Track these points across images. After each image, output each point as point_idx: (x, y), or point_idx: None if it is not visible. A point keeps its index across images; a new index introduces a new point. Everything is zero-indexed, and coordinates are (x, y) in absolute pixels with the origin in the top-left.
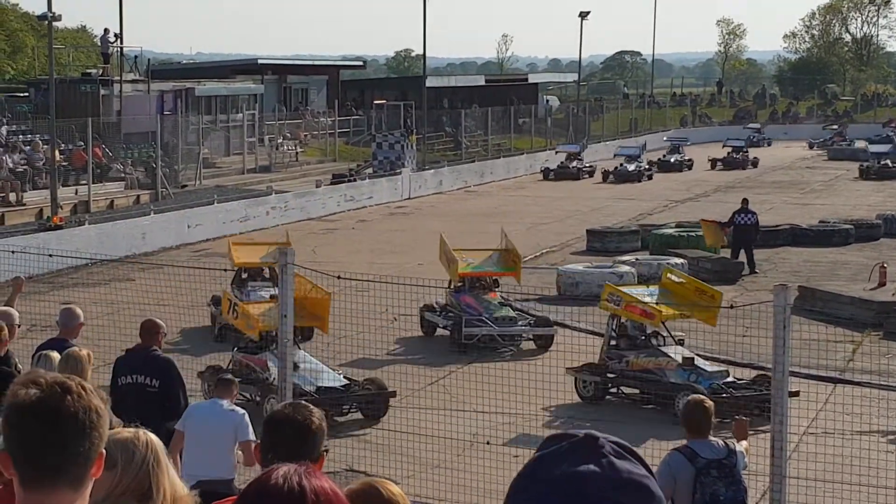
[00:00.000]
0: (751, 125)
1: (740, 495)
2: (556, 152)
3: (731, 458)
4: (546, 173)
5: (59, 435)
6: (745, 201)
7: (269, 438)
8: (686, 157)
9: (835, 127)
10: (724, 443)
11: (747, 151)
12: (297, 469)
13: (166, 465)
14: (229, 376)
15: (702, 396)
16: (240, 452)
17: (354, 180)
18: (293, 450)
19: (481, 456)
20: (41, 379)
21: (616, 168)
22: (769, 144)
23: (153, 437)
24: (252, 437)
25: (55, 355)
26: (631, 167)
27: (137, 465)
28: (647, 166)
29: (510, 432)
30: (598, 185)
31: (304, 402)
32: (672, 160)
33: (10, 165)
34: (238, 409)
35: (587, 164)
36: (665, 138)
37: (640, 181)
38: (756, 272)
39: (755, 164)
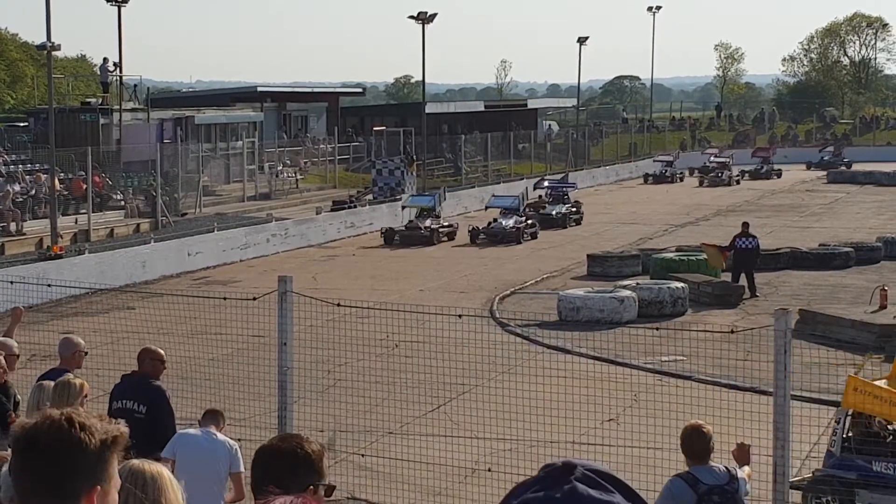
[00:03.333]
0: (759, 153)
1: None
2: (654, 161)
3: (732, 485)
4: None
5: (33, 466)
6: (745, 225)
7: (260, 470)
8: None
9: (830, 148)
10: (726, 468)
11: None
12: (292, 501)
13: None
14: (217, 408)
15: (699, 422)
16: (230, 486)
17: (355, 206)
18: (284, 481)
19: (483, 483)
20: (42, 413)
21: (490, 224)
22: (779, 176)
23: (160, 470)
24: (242, 468)
25: (50, 385)
26: (508, 222)
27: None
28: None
29: (512, 459)
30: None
31: (299, 433)
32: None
33: (13, 196)
34: (229, 439)
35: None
36: (546, 182)
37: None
38: (757, 296)
39: (738, 181)
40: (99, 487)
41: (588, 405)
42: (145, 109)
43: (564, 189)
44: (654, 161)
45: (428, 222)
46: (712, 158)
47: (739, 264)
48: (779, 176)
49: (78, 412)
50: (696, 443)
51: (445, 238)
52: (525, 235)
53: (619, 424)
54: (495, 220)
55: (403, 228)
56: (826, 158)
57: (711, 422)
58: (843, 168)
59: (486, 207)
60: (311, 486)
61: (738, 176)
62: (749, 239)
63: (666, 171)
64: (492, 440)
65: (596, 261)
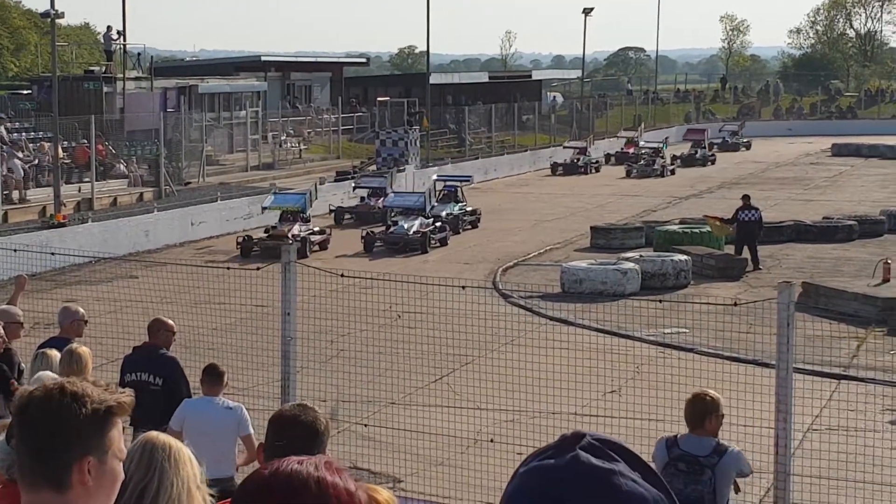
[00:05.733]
0: (728, 126)
1: (703, 496)
2: (564, 147)
3: (711, 459)
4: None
5: (23, 434)
6: (746, 197)
7: (277, 439)
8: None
9: (736, 124)
10: (717, 443)
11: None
12: (316, 460)
13: (189, 475)
14: (219, 368)
15: (705, 390)
16: (241, 448)
17: (398, 171)
18: (302, 451)
19: (485, 454)
20: (42, 384)
21: (389, 229)
22: (748, 148)
23: (177, 444)
24: (252, 430)
25: (55, 353)
26: (412, 226)
27: (143, 468)
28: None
29: (515, 430)
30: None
31: (307, 403)
32: None
33: (19, 166)
34: (234, 403)
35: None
36: (434, 176)
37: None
38: (760, 269)
39: (713, 161)
40: (92, 458)
41: (590, 377)
42: (149, 78)
43: (455, 185)
44: (564, 147)
45: (296, 228)
46: (643, 143)
47: (742, 237)
48: (713, 162)
49: (74, 382)
50: (689, 408)
51: (317, 248)
52: (432, 242)
53: (620, 396)
54: (395, 222)
55: (264, 235)
56: (727, 139)
57: None
58: (744, 150)
59: (384, 206)
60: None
61: (672, 165)
62: (752, 211)
63: (578, 159)
64: (494, 411)
65: (599, 233)
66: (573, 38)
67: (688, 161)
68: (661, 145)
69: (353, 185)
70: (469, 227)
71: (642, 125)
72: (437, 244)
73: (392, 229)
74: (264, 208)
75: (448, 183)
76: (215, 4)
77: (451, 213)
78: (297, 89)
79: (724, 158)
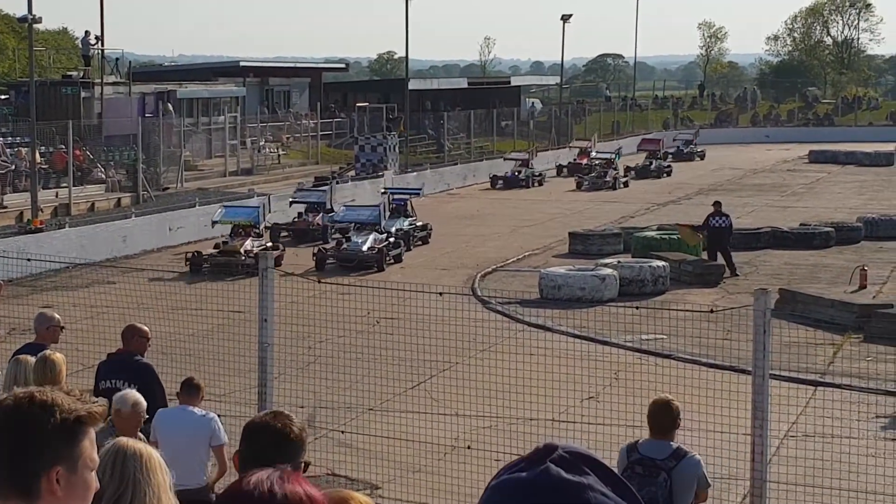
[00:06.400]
0: (682, 134)
1: (657, 498)
2: (505, 159)
3: (668, 462)
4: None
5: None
6: (717, 204)
7: (248, 446)
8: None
9: (690, 132)
10: (678, 448)
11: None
12: (271, 474)
13: (160, 483)
14: (196, 381)
15: (668, 397)
16: (213, 460)
17: (337, 183)
18: (272, 458)
19: (462, 460)
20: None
21: (341, 245)
22: (702, 158)
23: (149, 450)
24: (225, 439)
25: (30, 359)
26: (366, 242)
27: (118, 479)
28: None
29: (492, 437)
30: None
31: (284, 410)
32: None
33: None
34: (209, 413)
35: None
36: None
37: None
38: (738, 275)
39: (669, 173)
40: (61, 468)
41: (568, 383)
42: (127, 83)
43: (404, 199)
44: (505, 159)
45: (248, 243)
46: (595, 154)
47: (713, 243)
48: (669, 174)
49: (44, 391)
50: (658, 415)
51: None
52: (388, 259)
53: (599, 402)
54: (348, 238)
55: (214, 252)
56: (681, 148)
57: (691, 400)
58: (699, 159)
59: (332, 221)
60: (304, 463)
61: (626, 177)
62: (722, 218)
63: (520, 172)
64: (472, 417)
65: (577, 239)
66: (552, 44)
67: (642, 173)
68: (613, 156)
69: (289, 199)
70: (420, 242)
71: (595, 135)
72: (392, 261)
73: (345, 246)
74: (214, 222)
75: (396, 196)
76: (194, 9)
77: (401, 229)
78: (276, 95)
79: (681, 169)
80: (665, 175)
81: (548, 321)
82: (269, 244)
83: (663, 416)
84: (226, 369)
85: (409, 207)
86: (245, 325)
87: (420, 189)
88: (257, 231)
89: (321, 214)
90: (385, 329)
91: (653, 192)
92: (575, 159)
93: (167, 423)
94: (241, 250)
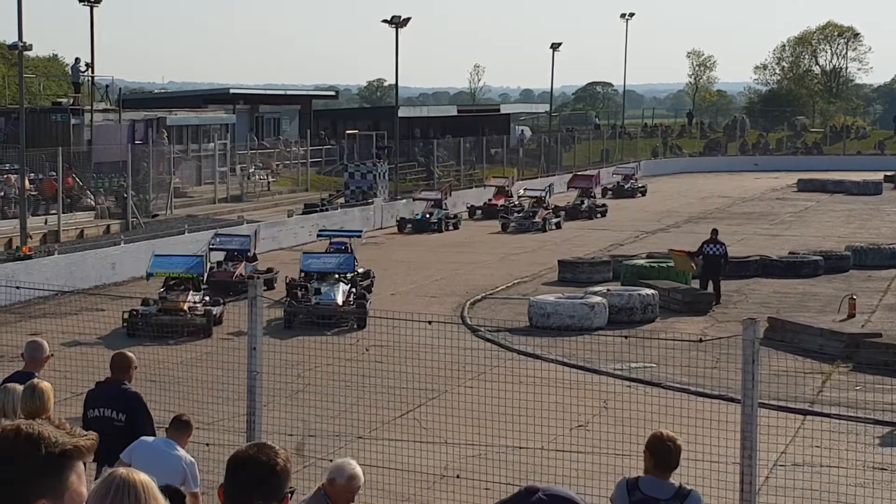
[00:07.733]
0: (620, 168)
1: None
2: (415, 199)
3: (672, 503)
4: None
5: None
6: (714, 231)
7: (232, 480)
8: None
9: (631, 165)
10: (681, 488)
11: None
12: None
13: None
14: (186, 418)
15: (670, 433)
16: None
17: (326, 210)
18: (256, 491)
19: (452, 489)
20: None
21: (313, 299)
22: (644, 194)
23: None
24: (197, 488)
25: (18, 388)
26: (336, 295)
27: None
28: None
29: (481, 465)
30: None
31: (268, 442)
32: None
33: None
34: (188, 456)
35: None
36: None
37: None
38: (719, 303)
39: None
40: (45, 501)
41: (558, 411)
42: (117, 110)
43: (343, 242)
44: (415, 199)
45: (189, 297)
46: (522, 192)
47: (707, 271)
48: (604, 214)
49: (32, 423)
50: (664, 453)
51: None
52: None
53: (588, 431)
54: (318, 290)
55: (154, 309)
56: (620, 184)
57: (680, 430)
58: (640, 196)
59: (302, 271)
60: (288, 493)
61: (557, 218)
62: (717, 245)
63: (431, 214)
64: (461, 446)
65: (567, 267)
66: (541, 72)
67: (572, 213)
68: (543, 194)
69: (209, 245)
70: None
71: (514, 172)
72: (356, 327)
73: (317, 300)
74: (149, 275)
75: (335, 239)
76: (184, 37)
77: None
78: (266, 122)
79: (620, 207)
80: (598, 216)
81: (537, 349)
82: (207, 298)
83: (669, 456)
84: (214, 397)
85: (349, 251)
86: (234, 353)
87: (361, 231)
88: (201, 281)
89: (244, 264)
90: (374, 357)
91: (580, 232)
92: (490, 200)
93: (142, 454)
94: (184, 308)
